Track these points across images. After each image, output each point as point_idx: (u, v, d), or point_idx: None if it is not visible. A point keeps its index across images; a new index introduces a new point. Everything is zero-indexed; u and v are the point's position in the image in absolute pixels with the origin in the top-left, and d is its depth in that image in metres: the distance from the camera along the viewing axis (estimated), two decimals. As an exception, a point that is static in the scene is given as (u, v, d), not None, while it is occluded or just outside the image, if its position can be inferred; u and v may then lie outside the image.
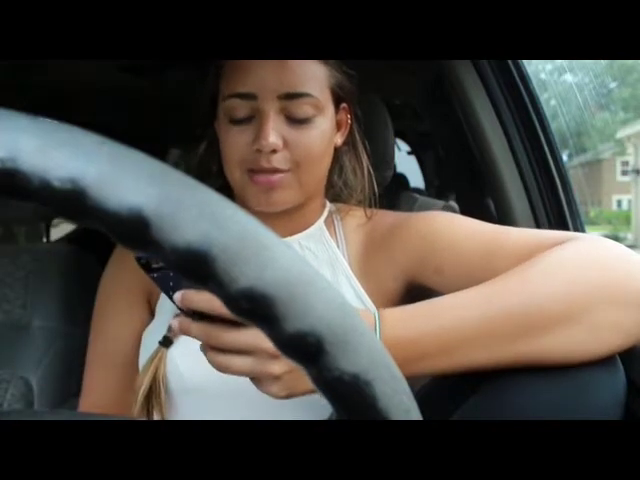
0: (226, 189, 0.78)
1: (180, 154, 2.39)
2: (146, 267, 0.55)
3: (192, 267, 0.21)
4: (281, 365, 0.54)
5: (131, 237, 0.21)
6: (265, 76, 0.71)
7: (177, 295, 0.55)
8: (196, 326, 0.55)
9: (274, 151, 0.71)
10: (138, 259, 0.54)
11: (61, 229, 2.59)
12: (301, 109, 0.72)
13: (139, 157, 0.21)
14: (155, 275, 0.55)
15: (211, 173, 0.81)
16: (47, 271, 1.12)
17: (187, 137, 0.88)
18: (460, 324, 0.55)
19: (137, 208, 0.20)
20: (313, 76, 0.74)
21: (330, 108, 0.76)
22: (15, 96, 1.38)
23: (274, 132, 0.70)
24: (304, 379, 0.58)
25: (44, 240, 2.45)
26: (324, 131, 0.75)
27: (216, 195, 0.22)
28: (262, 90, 0.71)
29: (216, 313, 0.53)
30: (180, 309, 0.56)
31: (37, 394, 1.04)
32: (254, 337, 0.54)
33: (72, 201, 0.20)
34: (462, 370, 0.56)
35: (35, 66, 1.26)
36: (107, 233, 0.21)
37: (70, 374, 1.08)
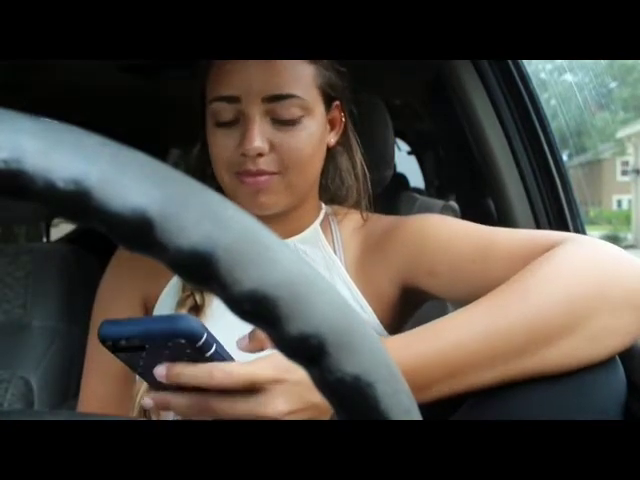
0: (222, 190, 0.78)
1: (180, 154, 2.39)
2: (113, 349, 0.50)
3: (195, 269, 0.21)
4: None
5: (134, 239, 0.21)
6: (249, 78, 0.70)
7: (160, 369, 0.49)
8: (179, 399, 0.51)
9: (260, 155, 0.70)
10: (103, 342, 0.49)
11: (61, 229, 2.59)
12: (287, 111, 0.71)
13: (142, 158, 0.21)
14: (122, 355, 0.50)
15: (206, 175, 0.81)
16: (47, 271, 1.12)
17: (187, 137, 0.87)
18: (463, 345, 0.54)
19: (141, 209, 0.20)
20: (299, 76, 0.72)
21: (319, 108, 0.74)
22: (15, 96, 1.38)
23: (259, 136, 0.69)
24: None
25: (44, 240, 2.45)
26: (313, 132, 0.73)
27: (217, 196, 0.22)
28: (246, 92, 0.70)
29: (209, 387, 0.49)
30: (151, 383, 0.52)
31: (37, 394, 1.04)
32: (251, 404, 0.50)
33: (76, 202, 0.20)
34: (470, 390, 0.55)
35: (35, 66, 1.26)
36: (110, 235, 0.21)
37: (70, 374, 1.08)
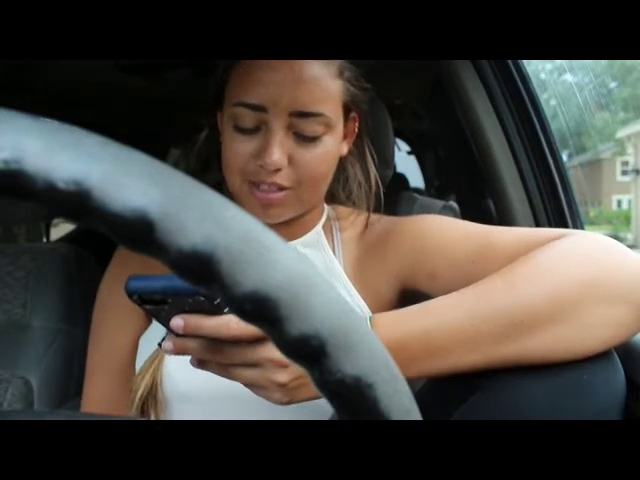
0: (222, 187, 0.77)
1: (180, 154, 2.39)
2: (139, 302, 0.53)
3: (196, 269, 0.21)
4: (288, 373, 0.54)
5: (135, 239, 0.21)
6: (278, 90, 0.68)
7: (177, 321, 0.53)
8: (196, 344, 0.54)
9: (278, 170, 0.69)
10: (130, 295, 0.53)
11: (61, 229, 2.59)
12: (311, 128, 0.69)
13: (142, 158, 0.21)
14: (147, 307, 0.54)
15: (211, 166, 0.79)
16: (47, 271, 1.12)
17: (187, 137, 0.87)
18: (446, 326, 0.55)
19: (141, 210, 0.20)
20: (328, 94, 0.70)
21: (340, 123, 0.73)
22: (15, 96, 1.38)
23: (280, 150, 0.68)
24: (307, 387, 0.57)
25: (44, 240, 2.45)
26: (330, 149, 0.72)
27: (218, 196, 0.22)
28: (273, 104, 0.68)
29: (224, 339, 0.52)
30: (173, 332, 0.55)
31: (37, 394, 1.04)
32: (260, 350, 0.53)
33: (76, 202, 0.20)
34: (452, 372, 0.56)
35: (35, 66, 1.26)
36: (111, 235, 0.21)
37: (70, 374, 1.08)
